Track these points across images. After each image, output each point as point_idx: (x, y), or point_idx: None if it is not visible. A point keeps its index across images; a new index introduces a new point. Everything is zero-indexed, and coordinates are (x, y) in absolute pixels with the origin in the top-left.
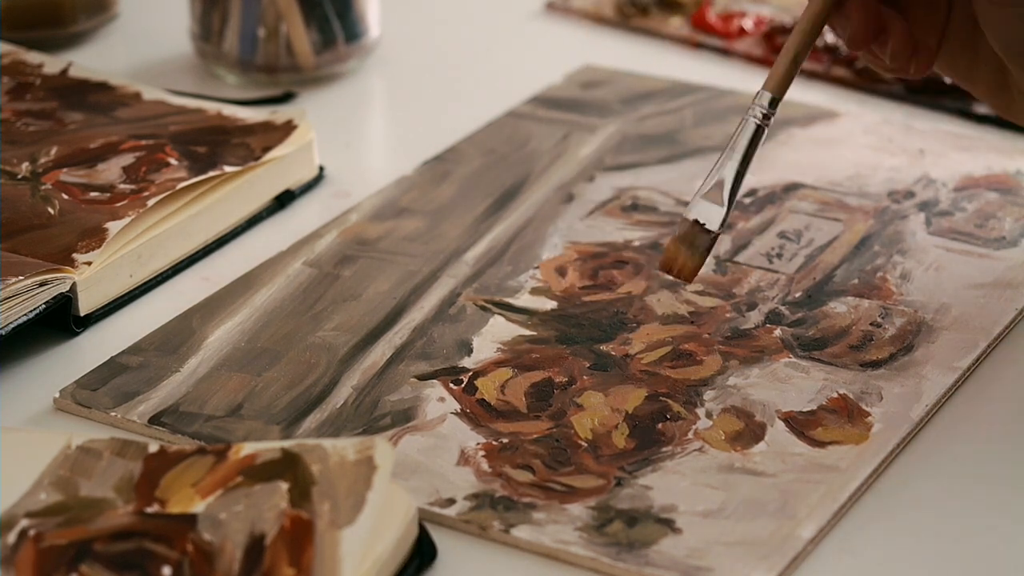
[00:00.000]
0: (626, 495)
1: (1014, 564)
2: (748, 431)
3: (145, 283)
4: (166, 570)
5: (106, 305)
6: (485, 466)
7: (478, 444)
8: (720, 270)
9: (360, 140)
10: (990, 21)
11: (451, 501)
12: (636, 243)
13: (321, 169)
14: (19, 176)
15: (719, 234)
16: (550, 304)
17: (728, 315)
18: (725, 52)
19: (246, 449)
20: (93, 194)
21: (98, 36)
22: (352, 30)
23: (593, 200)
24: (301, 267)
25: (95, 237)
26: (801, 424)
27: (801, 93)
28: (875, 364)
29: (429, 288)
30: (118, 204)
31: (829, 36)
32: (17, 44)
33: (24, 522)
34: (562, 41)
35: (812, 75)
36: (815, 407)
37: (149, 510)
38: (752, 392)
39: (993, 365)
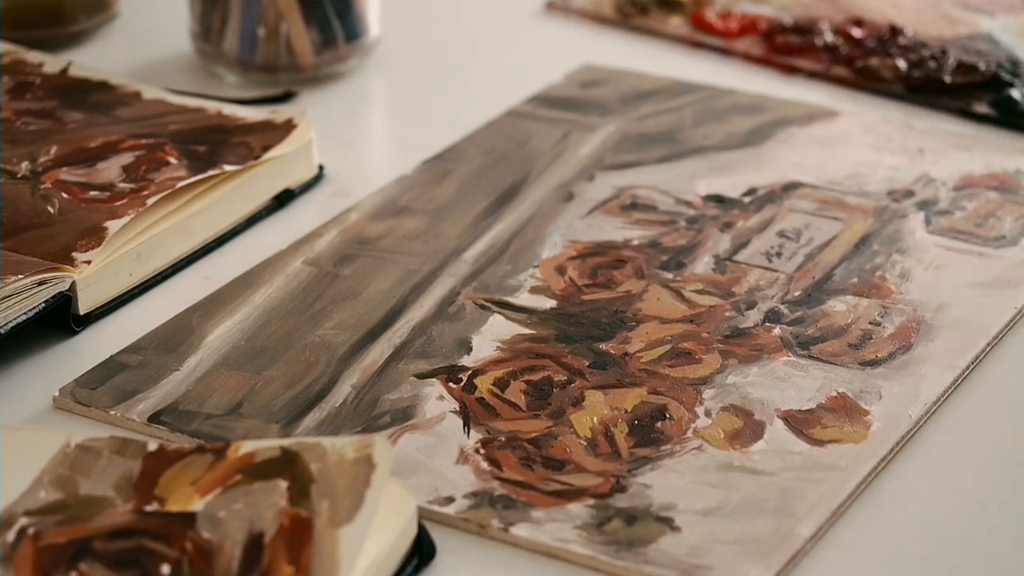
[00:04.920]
0: (625, 494)
1: (1013, 563)
2: (747, 429)
3: (145, 282)
4: (165, 568)
5: (106, 304)
6: (484, 464)
7: (477, 442)
8: (720, 269)
9: (360, 140)
10: None
11: (450, 499)
12: (635, 242)
13: (321, 168)
14: (19, 175)
15: None
16: (549, 303)
17: (727, 314)
18: (725, 51)
19: (245, 447)
20: (93, 193)
21: (98, 36)
22: (352, 30)
23: (593, 199)
24: (301, 266)
25: (95, 236)
26: (800, 422)
27: (801, 92)
28: (874, 363)
29: (429, 287)
30: (118, 203)
31: (829, 36)
32: (17, 43)
33: (23, 520)
34: (562, 41)
35: (812, 75)
36: (814, 405)
37: (148, 508)
38: (751, 391)
39: (993, 364)
